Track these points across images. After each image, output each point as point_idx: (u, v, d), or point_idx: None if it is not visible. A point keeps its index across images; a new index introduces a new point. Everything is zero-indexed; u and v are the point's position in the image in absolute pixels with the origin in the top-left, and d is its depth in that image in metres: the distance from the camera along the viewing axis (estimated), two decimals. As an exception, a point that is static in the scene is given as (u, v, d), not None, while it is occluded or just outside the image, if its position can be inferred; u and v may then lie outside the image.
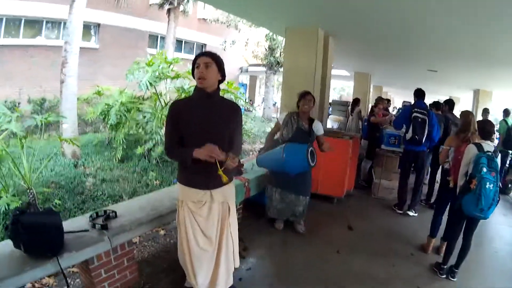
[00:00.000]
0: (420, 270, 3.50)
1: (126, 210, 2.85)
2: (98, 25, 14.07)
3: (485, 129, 3.27)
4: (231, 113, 2.30)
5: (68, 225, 2.41)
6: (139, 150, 7.28)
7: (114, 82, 10.78)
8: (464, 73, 8.54)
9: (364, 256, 3.65)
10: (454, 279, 3.32)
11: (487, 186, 2.87)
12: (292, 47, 5.28)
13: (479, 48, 5.32)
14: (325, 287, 3.03)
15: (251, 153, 10.36)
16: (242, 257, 3.20)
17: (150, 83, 6.94)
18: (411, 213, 4.99)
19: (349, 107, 9.20)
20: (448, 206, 3.71)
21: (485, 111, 7.83)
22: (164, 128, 6.89)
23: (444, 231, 3.75)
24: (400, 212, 5.06)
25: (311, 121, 3.83)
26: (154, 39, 16.88)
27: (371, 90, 13.69)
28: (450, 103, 5.73)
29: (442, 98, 9.09)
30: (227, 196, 2.36)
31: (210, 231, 2.29)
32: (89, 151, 8.41)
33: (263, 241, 3.74)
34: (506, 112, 7.89)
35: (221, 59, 2.25)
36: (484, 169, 2.91)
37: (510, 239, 4.62)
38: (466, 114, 3.74)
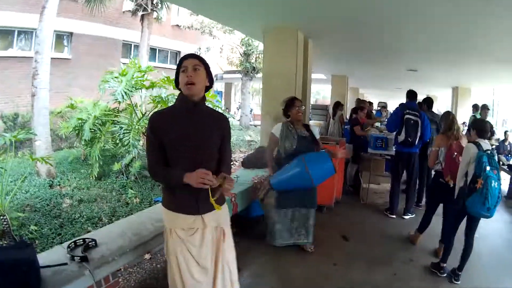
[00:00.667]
0: (422, 276, 3.40)
1: (106, 236, 2.56)
2: (71, 34, 13.48)
3: (481, 127, 3.28)
4: (220, 125, 2.06)
5: (44, 258, 2.13)
6: (116, 167, 6.94)
7: (88, 93, 10.37)
8: (443, 71, 8.68)
9: (362, 266, 3.52)
10: (458, 282, 3.27)
11: (492, 185, 2.86)
12: (271, 51, 5.13)
13: (459, 45, 5.38)
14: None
15: (232, 164, 9.94)
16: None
17: (126, 93, 6.62)
18: (407, 217, 4.93)
19: (330, 111, 9.10)
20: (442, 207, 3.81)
21: (484, 107, 7.99)
22: (142, 141, 6.66)
23: (443, 234, 3.80)
24: (393, 216, 4.97)
25: (307, 126, 3.64)
26: (128, 48, 16.38)
27: (348, 92, 13.71)
28: (428, 101, 5.72)
29: (419, 98, 9.17)
30: (220, 220, 2.10)
31: (204, 260, 2.02)
32: (65, 169, 7.97)
33: (256, 260, 3.53)
34: (475, 107, 8.42)
35: (208, 63, 2.03)
36: (488, 168, 2.91)
37: (508, 235, 4.62)
38: (446, 115, 3.92)
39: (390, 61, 7.52)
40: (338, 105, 7.22)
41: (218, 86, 25.56)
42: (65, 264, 2.11)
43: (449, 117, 3.84)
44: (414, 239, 4.12)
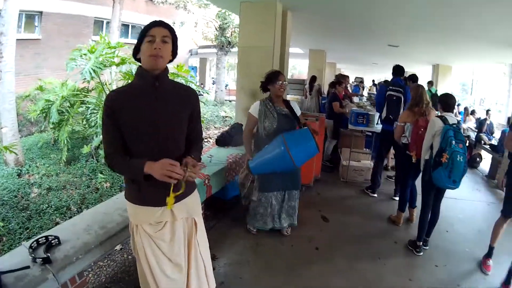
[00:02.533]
0: (407, 260, 3.33)
1: (71, 232, 2.33)
2: (41, 13, 12.69)
3: (446, 101, 3.31)
4: (188, 102, 1.79)
5: (6, 261, 1.93)
6: (85, 150, 6.59)
7: (59, 74, 9.90)
8: (425, 48, 8.60)
9: (346, 250, 3.42)
10: (427, 247, 3.46)
11: (458, 159, 2.93)
12: (248, 23, 4.85)
13: (439, 23, 5.31)
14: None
15: (206, 142, 9.58)
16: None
17: (94, 71, 6.22)
18: (397, 198, 4.80)
19: (306, 86, 8.94)
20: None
21: (429, 83, 8.59)
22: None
23: (412, 198, 4.08)
24: (374, 195, 4.90)
25: (287, 103, 3.36)
26: (100, 25, 15.65)
27: (326, 67, 13.55)
28: (413, 77, 5.61)
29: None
30: (191, 210, 1.87)
31: (177, 256, 1.81)
32: (34, 155, 7.62)
33: (233, 246, 3.34)
34: (430, 83, 8.95)
35: (176, 34, 1.75)
36: (453, 142, 2.97)
37: (489, 216, 4.54)
38: (415, 88, 3.86)
39: (371, 36, 7.40)
40: (315, 79, 7.06)
41: (193, 61, 25.15)
42: (28, 267, 1.90)
43: (417, 91, 3.79)
44: (397, 219, 4.08)
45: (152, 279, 1.78)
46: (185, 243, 1.86)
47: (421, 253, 3.39)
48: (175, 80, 5.24)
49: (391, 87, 4.71)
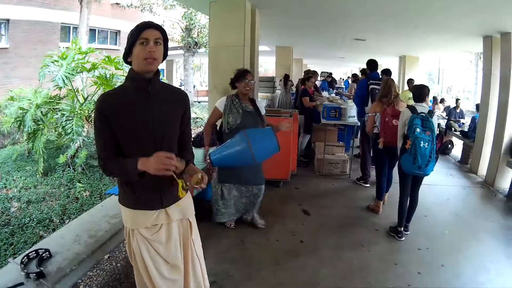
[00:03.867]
0: (391, 245, 3.46)
1: (60, 244, 2.30)
2: (7, 21, 12.25)
3: (420, 92, 3.51)
4: (179, 104, 1.79)
5: None
6: (61, 159, 6.39)
7: (28, 83, 9.53)
8: (392, 40, 8.75)
9: (330, 241, 3.51)
10: (408, 232, 3.62)
11: (421, 145, 3.11)
12: (217, 22, 4.88)
13: (408, 15, 5.41)
14: (303, 285, 2.82)
15: None
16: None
17: (67, 77, 6.09)
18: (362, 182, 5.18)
19: (276, 83, 9.23)
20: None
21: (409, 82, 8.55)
22: (86, 127, 6.20)
23: (388, 184, 4.26)
24: (367, 185, 5.08)
25: (252, 101, 3.46)
26: (66, 31, 15.19)
27: (293, 63, 13.70)
28: (387, 71, 5.80)
29: (360, 67, 9.42)
30: (185, 211, 1.87)
31: (174, 258, 1.81)
32: (10, 168, 7.30)
33: (218, 245, 3.36)
34: (386, 73, 8.96)
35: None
36: (418, 130, 3.16)
37: (465, 199, 4.90)
38: (385, 81, 4.10)
39: (338, 31, 7.54)
40: (288, 77, 7.21)
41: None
42: (22, 284, 1.85)
43: (386, 84, 4.01)
44: (376, 208, 4.25)
45: (150, 282, 1.79)
46: (181, 244, 1.87)
47: (403, 238, 3.55)
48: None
49: (371, 81, 4.91)
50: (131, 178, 1.64)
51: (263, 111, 3.49)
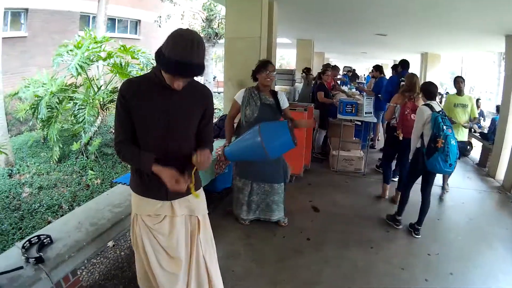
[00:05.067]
0: (400, 248, 3.34)
1: (62, 230, 2.32)
2: (26, 10, 12.42)
3: (429, 90, 3.48)
4: (201, 100, 1.77)
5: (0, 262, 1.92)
6: (75, 146, 6.52)
7: (47, 71, 9.77)
8: (413, 36, 8.55)
9: (337, 240, 3.42)
10: (418, 236, 3.51)
11: (452, 143, 3.08)
12: (234, 14, 4.83)
13: (428, 11, 5.24)
14: (303, 284, 2.75)
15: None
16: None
17: (81, 66, 6.13)
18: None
19: (296, 76, 9.07)
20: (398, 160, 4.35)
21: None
22: (101, 116, 6.24)
23: (400, 183, 4.24)
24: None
25: (274, 93, 3.34)
26: (86, 20, 15.35)
27: (314, 57, 13.50)
28: (406, 64, 5.83)
29: (386, 62, 9.18)
30: (194, 208, 1.86)
31: (175, 250, 1.80)
32: (25, 154, 7.51)
33: (224, 238, 3.33)
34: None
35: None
36: (444, 127, 3.11)
37: (481, 204, 4.72)
38: (410, 76, 4.14)
39: (359, 25, 7.36)
40: (309, 70, 7.12)
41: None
42: (21, 268, 1.89)
43: (412, 79, 4.05)
44: (383, 193, 4.52)
45: (149, 269, 1.81)
46: (187, 240, 1.86)
47: (401, 226, 3.65)
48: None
49: (402, 78, 4.89)
50: (142, 169, 1.70)
51: (285, 104, 3.37)
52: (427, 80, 3.86)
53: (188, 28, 1.60)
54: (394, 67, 6.56)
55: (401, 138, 3.97)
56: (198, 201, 1.89)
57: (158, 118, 1.64)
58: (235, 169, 3.53)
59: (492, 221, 4.10)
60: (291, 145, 2.88)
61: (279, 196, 3.48)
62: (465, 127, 4.75)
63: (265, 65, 3.21)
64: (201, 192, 1.92)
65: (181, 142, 1.71)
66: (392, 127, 4.25)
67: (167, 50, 1.45)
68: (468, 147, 7.49)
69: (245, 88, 3.34)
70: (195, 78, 1.67)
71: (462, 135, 4.78)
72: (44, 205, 5.00)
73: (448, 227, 3.82)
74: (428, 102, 3.40)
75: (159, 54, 1.50)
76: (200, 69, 1.50)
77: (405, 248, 3.34)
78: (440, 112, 3.24)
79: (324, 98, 6.01)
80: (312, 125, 3.35)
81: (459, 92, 4.84)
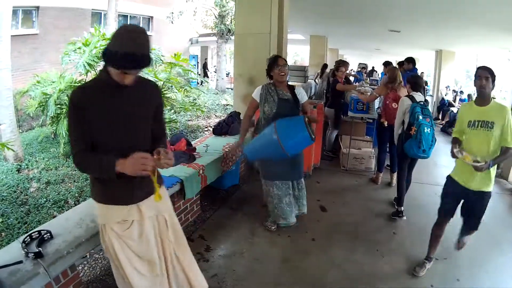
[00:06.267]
0: (406, 252, 3.23)
1: (63, 226, 2.36)
2: (37, 8, 12.62)
3: (416, 82, 3.82)
4: (153, 97, 1.80)
5: (0, 257, 1.97)
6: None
7: (57, 68, 9.79)
8: (427, 33, 8.44)
9: (343, 241, 3.35)
10: (404, 217, 3.83)
11: (425, 131, 3.34)
12: (244, 10, 4.84)
13: (441, 6, 5.18)
14: (306, 286, 2.70)
15: (206, 131, 9.46)
16: (205, 260, 2.85)
17: (89, 64, 6.13)
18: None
19: (308, 72, 9.17)
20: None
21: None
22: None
23: (392, 164, 4.69)
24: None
25: (291, 88, 3.27)
26: (97, 17, 15.51)
27: (328, 53, 13.39)
28: (413, 60, 5.89)
29: (399, 59, 9.07)
30: (159, 208, 1.85)
31: (148, 254, 1.81)
32: (34, 150, 7.61)
33: (228, 237, 3.30)
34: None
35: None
36: (420, 117, 3.41)
37: (493, 207, 4.45)
38: (393, 69, 4.61)
39: (372, 21, 7.30)
40: (326, 67, 7.09)
41: (194, 50, 24.78)
42: (21, 262, 1.95)
43: (394, 72, 4.47)
44: (376, 179, 4.89)
45: (126, 277, 1.80)
46: (157, 240, 1.86)
47: (405, 217, 3.81)
48: (173, 69, 5.22)
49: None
50: (107, 176, 1.61)
51: (304, 98, 3.30)
52: (414, 73, 4.36)
53: (132, 24, 1.61)
54: (400, 64, 6.61)
55: (386, 125, 4.39)
56: (164, 201, 1.89)
57: (116, 118, 1.63)
58: (261, 173, 3.41)
59: (504, 225, 3.95)
60: (309, 141, 2.86)
61: (303, 190, 3.50)
62: (476, 168, 2.50)
63: (275, 60, 3.17)
64: (163, 191, 1.92)
65: (140, 139, 1.72)
66: (379, 116, 4.72)
67: (111, 45, 1.48)
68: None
69: (262, 85, 3.27)
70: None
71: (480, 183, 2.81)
72: (51, 200, 5.04)
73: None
74: (412, 93, 3.70)
75: (104, 51, 1.51)
76: (145, 60, 1.51)
77: (412, 253, 3.22)
78: (421, 103, 3.54)
79: (345, 86, 5.82)
80: (316, 120, 3.32)
81: (482, 96, 2.50)
